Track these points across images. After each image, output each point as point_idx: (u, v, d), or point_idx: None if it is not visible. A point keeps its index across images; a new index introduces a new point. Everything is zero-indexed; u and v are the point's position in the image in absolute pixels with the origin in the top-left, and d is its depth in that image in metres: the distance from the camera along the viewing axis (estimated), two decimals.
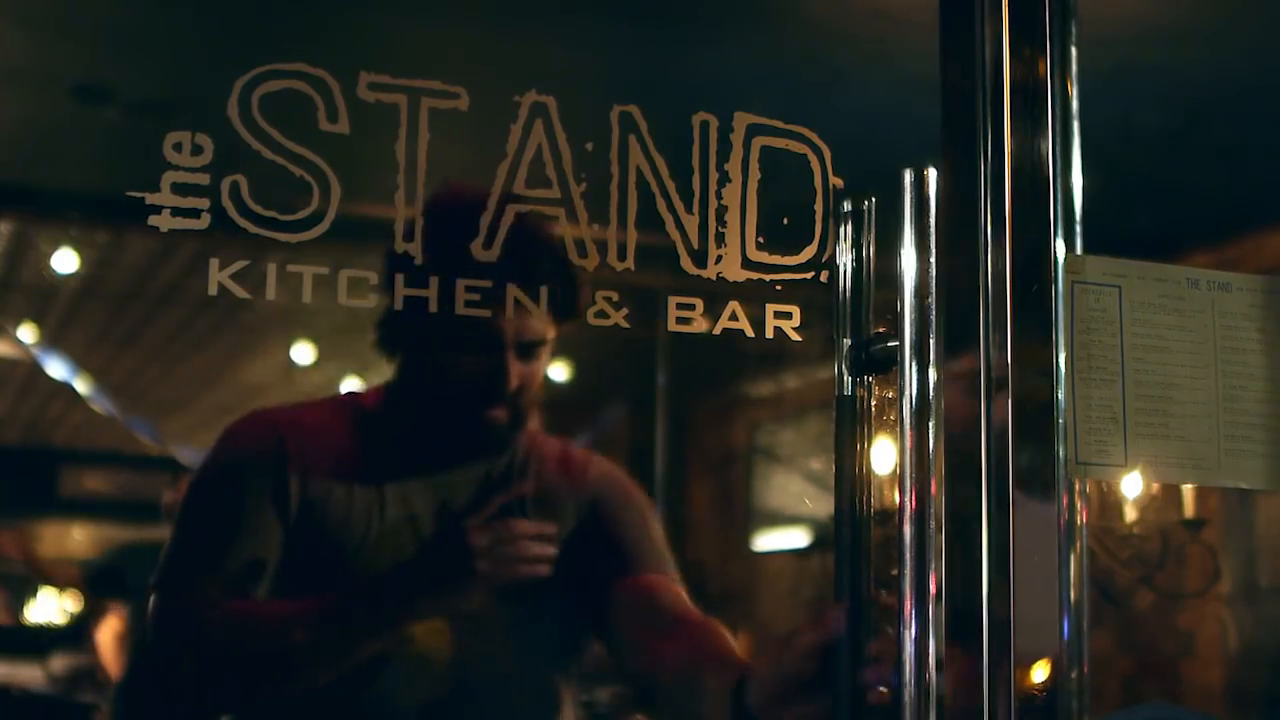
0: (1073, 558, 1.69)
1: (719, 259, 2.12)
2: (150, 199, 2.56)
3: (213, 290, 2.45)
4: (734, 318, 2.15)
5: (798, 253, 2.16)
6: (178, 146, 2.48)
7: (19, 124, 2.91)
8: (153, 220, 2.56)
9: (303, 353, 5.04)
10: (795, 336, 2.04)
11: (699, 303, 2.17)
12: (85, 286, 4.10)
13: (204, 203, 2.45)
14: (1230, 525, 4.54)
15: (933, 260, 1.59)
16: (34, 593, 6.37)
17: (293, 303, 4.22)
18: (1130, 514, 2.75)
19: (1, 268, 3.13)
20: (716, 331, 2.10)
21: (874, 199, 1.79)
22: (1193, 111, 4.03)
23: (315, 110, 2.36)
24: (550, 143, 2.22)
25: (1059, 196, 1.64)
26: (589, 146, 2.16)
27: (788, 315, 2.09)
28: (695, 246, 2.15)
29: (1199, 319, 1.80)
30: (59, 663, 4.43)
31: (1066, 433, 1.68)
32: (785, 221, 2.11)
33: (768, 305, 2.11)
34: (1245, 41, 3.46)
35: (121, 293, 3.28)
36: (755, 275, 2.14)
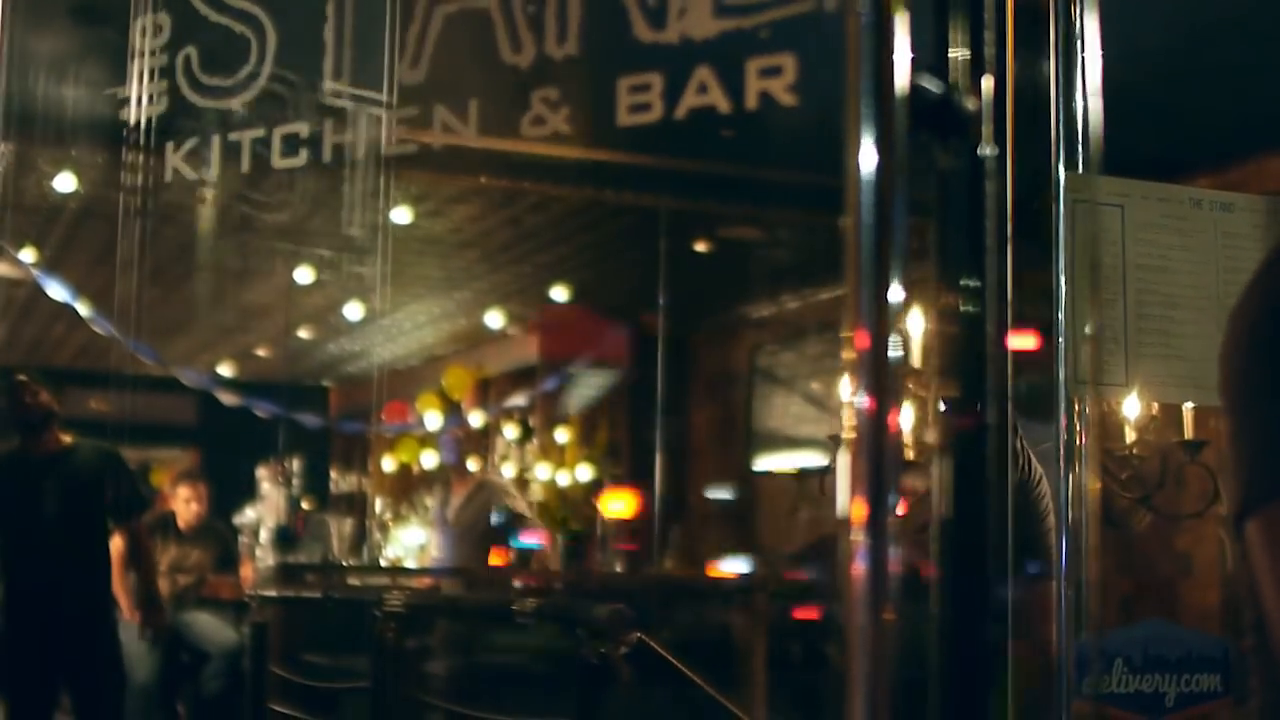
0: (1071, 478, 1.69)
1: (682, 13, 1.77)
2: (123, 92, 2.57)
3: (168, 176, 2.45)
4: (703, 89, 1.76)
5: None
6: (143, 30, 2.49)
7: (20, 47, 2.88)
8: (125, 114, 2.56)
9: (304, 274, 5.00)
10: (787, 99, 1.68)
11: (656, 79, 1.79)
12: (84, 206, 4.07)
13: (164, 85, 2.46)
14: None
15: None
16: None
17: (293, 223, 4.19)
18: (1130, 435, 2.76)
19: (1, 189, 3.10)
20: (680, 114, 1.75)
21: None
22: (1198, 35, 4.00)
23: None
24: None
25: (1061, 117, 1.63)
26: None
27: (775, 70, 1.68)
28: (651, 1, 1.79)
29: (1201, 239, 1.79)
30: None
31: (1067, 352, 1.67)
32: None
33: (748, 62, 1.69)
34: None
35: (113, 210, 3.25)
36: (732, 24, 1.75)
